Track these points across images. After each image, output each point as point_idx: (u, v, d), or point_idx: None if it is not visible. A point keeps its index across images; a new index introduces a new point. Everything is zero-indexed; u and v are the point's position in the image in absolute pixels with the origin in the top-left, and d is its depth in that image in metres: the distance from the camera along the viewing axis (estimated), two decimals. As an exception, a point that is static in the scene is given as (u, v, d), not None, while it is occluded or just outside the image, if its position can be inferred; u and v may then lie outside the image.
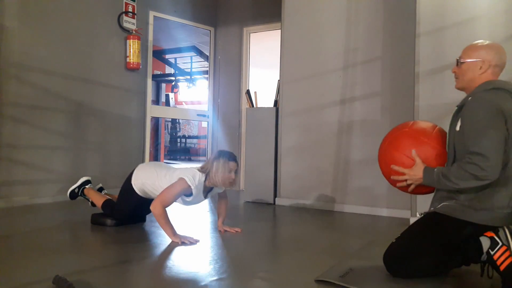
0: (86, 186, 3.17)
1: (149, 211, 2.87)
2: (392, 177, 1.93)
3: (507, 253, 1.63)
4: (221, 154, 2.66)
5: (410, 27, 3.53)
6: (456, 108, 1.87)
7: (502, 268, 1.63)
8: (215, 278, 1.82)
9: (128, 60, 4.71)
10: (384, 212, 3.66)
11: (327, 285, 1.75)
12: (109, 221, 2.89)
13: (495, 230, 1.71)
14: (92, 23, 4.40)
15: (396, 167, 1.89)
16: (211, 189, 2.77)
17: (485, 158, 1.62)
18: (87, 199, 3.17)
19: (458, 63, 1.88)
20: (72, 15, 4.20)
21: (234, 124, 5.60)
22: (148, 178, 2.74)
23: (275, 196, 4.30)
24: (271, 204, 4.26)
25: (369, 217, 3.57)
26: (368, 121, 3.80)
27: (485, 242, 1.70)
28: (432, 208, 1.88)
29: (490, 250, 1.68)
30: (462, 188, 1.70)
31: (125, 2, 4.75)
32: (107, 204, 2.93)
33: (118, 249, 2.31)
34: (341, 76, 3.96)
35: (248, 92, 4.77)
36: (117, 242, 2.47)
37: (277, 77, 4.42)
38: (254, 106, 4.61)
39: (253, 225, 3.15)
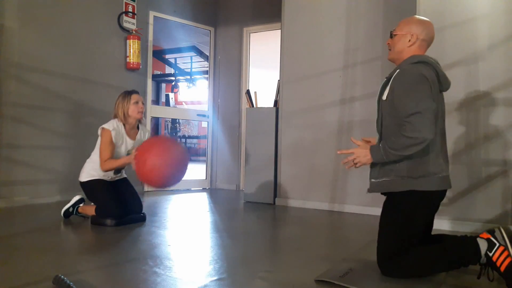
0: (80, 205, 3.19)
1: (133, 196, 3.12)
2: (342, 162, 2.01)
3: (505, 253, 1.63)
4: (124, 92, 3.04)
5: (410, 27, 3.53)
6: (385, 79, 1.96)
7: (502, 269, 1.63)
8: (215, 278, 1.82)
9: (128, 60, 4.71)
10: (384, 212, 3.66)
11: (327, 285, 1.75)
12: (108, 221, 2.89)
13: (490, 231, 1.72)
14: (92, 23, 4.40)
15: (344, 151, 2.01)
16: (136, 132, 3.08)
17: (423, 115, 1.70)
18: (83, 216, 3.18)
19: (392, 35, 2.00)
20: (72, 15, 4.20)
21: (234, 124, 5.60)
22: (87, 167, 3.06)
23: (275, 196, 4.30)
24: (271, 204, 4.26)
25: (369, 217, 3.58)
26: (368, 121, 3.80)
27: (482, 245, 1.70)
28: (372, 180, 1.95)
29: (488, 252, 1.68)
30: (410, 154, 1.78)
31: (125, 2, 4.75)
32: (97, 208, 2.98)
33: (118, 249, 2.31)
34: (341, 76, 3.96)
35: (248, 92, 4.77)
36: (117, 242, 2.48)
37: (277, 77, 4.42)
38: (254, 106, 4.61)
39: (253, 225, 3.15)
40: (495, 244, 1.67)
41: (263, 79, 6.34)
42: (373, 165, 1.95)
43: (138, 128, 3.13)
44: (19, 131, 3.77)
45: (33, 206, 3.73)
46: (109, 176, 3.06)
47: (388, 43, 2.02)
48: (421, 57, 1.88)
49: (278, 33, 4.49)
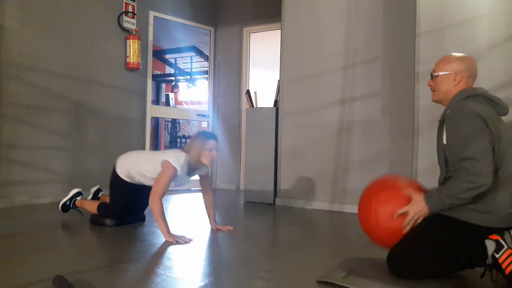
0: (77, 198, 3.17)
1: (144, 202, 2.95)
2: (404, 223, 1.83)
3: None
4: (200, 133, 2.81)
5: (410, 27, 3.53)
6: (439, 122, 1.91)
7: (507, 272, 1.62)
8: (215, 278, 1.82)
9: (128, 60, 4.71)
10: (384, 212, 3.66)
11: (328, 285, 1.75)
12: (108, 221, 2.89)
13: (500, 233, 1.70)
14: (92, 23, 4.39)
15: (399, 211, 1.83)
16: (195, 169, 2.84)
17: (476, 160, 1.64)
18: (79, 211, 3.17)
19: (432, 76, 1.93)
20: (72, 15, 4.20)
21: (234, 124, 5.60)
22: (132, 164, 2.83)
23: (275, 196, 4.30)
24: (271, 204, 4.26)
25: (369, 217, 3.57)
26: (368, 121, 3.80)
27: (490, 245, 1.68)
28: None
29: (495, 253, 1.66)
30: (466, 200, 1.70)
31: (125, 2, 4.75)
32: (101, 205, 2.95)
33: (118, 249, 2.31)
34: (341, 76, 3.96)
35: (248, 92, 4.77)
36: (117, 242, 2.47)
37: (277, 77, 4.42)
38: (254, 106, 4.61)
39: (253, 225, 3.14)
40: (503, 247, 1.65)
41: (263, 79, 6.34)
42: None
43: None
44: (19, 131, 3.77)
45: (33, 206, 3.73)
46: (142, 183, 2.90)
47: (430, 85, 1.95)
48: (468, 91, 1.83)
49: (278, 33, 4.49)
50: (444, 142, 1.81)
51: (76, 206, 3.16)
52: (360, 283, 1.75)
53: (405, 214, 1.82)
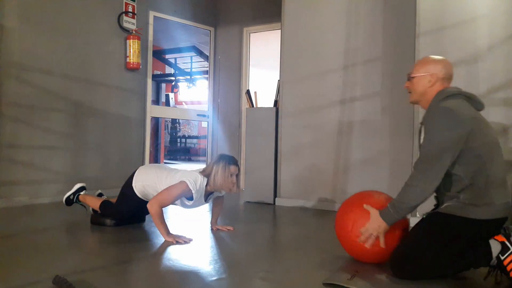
0: (81, 193, 3.15)
1: (148, 212, 2.88)
2: (359, 239, 1.93)
3: None
4: (222, 157, 2.66)
5: (410, 27, 3.53)
6: (420, 124, 1.95)
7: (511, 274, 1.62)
8: (215, 278, 1.82)
9: (128, 60, 4.71)
10: (384, 212, 3.66)
11: (328, 286, 1.75)
12: (108, 221, 2.89)
13: (506, 234, 1.71)
14: (92, 23, 4.39)
15: (361, 230, 1.91)
16: (211, 193, 2.77)
17: (427, 165, 1.73)
18: (82, 205, 3.16)
19: (409, 78, 2.00)
20: (72, 15, 4.20)
21: (234, 124, 5.60)
22: (149, 181, 2.73)
23: (275, 196, 4.30)
24: (271, 204, 4.26)
25: (369, 217, 3.57)
26: (368, 121, 3.80)
27: (495, 247, 1.68)
28: (439, 206, 1.91)
29: (500, 255, 1.66)
30: (416, 205, 1.78)
31: (125, 2, 4.75)
32: (105, 204, 2.93)
33: (118, 249, 2.31)
34: (341, 76, 3.96)
35: (248, 92, 4.77)
36: (117, 242, 2.47)
37: (277, 77, 4.42)
38: (254, 106, 4.61)
39: (253, 225, 3.14)
40: (509, 249, 1.66)
41: (263, 79, 6.34)
42: (437, 193, 1.91)
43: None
44: (19, 131, 3.77)
45: (33, 206, 3.73)
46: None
47: (407, 86, 2.02)
48: (446, 91, 1.88)
49: (278, 33, 4.49)
50: (421, 142, 1.87)
51: (79, 201, 3.14)
52: (365, 284, 1.75)
53: (364, 231, 1.90)
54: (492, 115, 2.95)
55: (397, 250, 1.86)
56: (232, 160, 2.66)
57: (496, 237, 1.71)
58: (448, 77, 1.95)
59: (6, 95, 3.67)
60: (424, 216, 1.92)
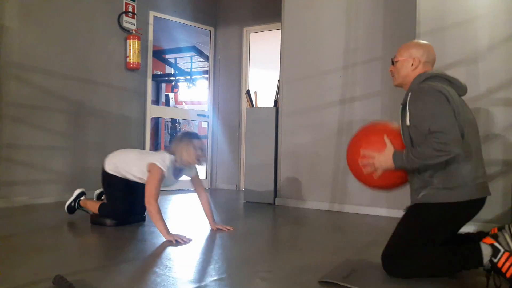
0: (81, 198, 3.18)
1: (143, 199, 2.93)
2: (360, 161, 1.99)
3: (511, 259, 1.62)
4: (184, 134, 2.88)
5: (410, 27, 3.53)
6: (401, 105, 1.98)
7: (508, 275, 1.61)
8: (215, 278, 1.82)
9: (128, 60, 4.71)
10: (384, 212, 3.66)
11: (329, 285, 1.75)
12: (108, 221, 2.89)
13: (494, 236, 1.71)
14: (92, 23, 4.40)
15: (366, 151, 1.96)
16: (181, 170, 2.89)
17: (445, 133, 1.71)
18: (85, 211, 3.17)
19: (393, 62, 2.04)
20: (72, 15, 4.20)
21: (234, 124, 5.60)
22: (119, 161, 2.91)
23: (275, 196, 4.30)
24: (271, 204, 4.26)
25: (369, 217, 3.57)
26: (368, 121, 3.78)
27: (486, 250, 1.68)
28: (413, 197, 1.94)
29: (493, 258, 1.66)
30: (431, 164, 1.78)
31: (125, 2, 4.75)
32: (102, 205, 2.96)
33: (118, 249, 2.31)
34: (341, 76, 3.96)
35: (248, 92, 4.77)
36: (117, 242, 2.48)
37: (277, 77, 4.42)
38: (254, 106, 4.61)
39: (253, 225, 3.14)
40: (500, 250, 1.65)
41: (263, 79, 6.34)
42: (411, 179, 1.93)
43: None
44: (19, 131, 3.77)
45: (33, 206, 3.73)
46: (133, 179, 2.94)
47: (391, 70, 2.05)
48: (427, 73, 1.92)
49: (278, 33, 4.49)
50: (408, 123, 1.88)
51: (81, 206, 3.16)
52: (362, 283, 1.75)
53: (371, 157, 1.93)
54: (492, 115, 2.95)
55: (385, 249, 1.89)
56: (194, 135, 2.86)
57: (484, 240, 1.71)
58: (430, 61, 1.99)
59: (6, 95, 3.67)
60: (405, 211, 1.96)
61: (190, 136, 2.84)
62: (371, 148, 1.94)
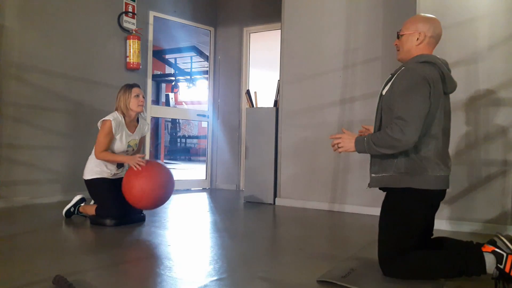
0: (81, 204, 3.20)
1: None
2: (329, 136, 2.06)
3: None
4: (125, 85, 3.08)
5: (410, 27, 3.53)
6: (390, 75, 1.98)
7: None
8: (215, 278, 1.82)
9: (128, 60, 4.71)
10: (384, 212, 3.66)
11: (329, 285, 1.75)
12: (108, 221, 2.89)
13: (491, 242, 1.70)
14: (92, 23, 4.39)
15: (334, 135, 2.01)
16: (136, 124, 3.11)
17: (406, 122, 1.74)
18: (84, 216, 3.18)
19: (399, 36, 2.01)
20: (72, 15, 4.20)
21: (234, 124, 5.60)
22: (89, 163, 3.11)
23: (275, 196, 4.30)
24: (271, 204, 4.26)
25: (369, 217, 3.57)
26: (368, 121, 3.79)
27: (489, 258, 1.66)
28: (372, 175, 1.97)
29: (498, 265, 1.64)
30: (385, 153, 1.82)
31: (125, 2, 4.75)
32: (97, 208, 2.98)
33: (118, 249, 2.31)
34: (341, 76, 3.96)
35: (248, 92, 4.77)
36: (117, 242, 2.48)
37: (277, 77, 4.42)
38: (254, 106, 4.61)
39: (253, 225, 3.15)
40: (503, 255, 1.63)
41: (263, 79, 6.34)
42: (372, 160, 1.97)
43: (138, 121, 3.18)
44: (19, 131, 3.77)
45: (33, 206, 3.73)
46: (112, 172, 3.05)
47: (396, 44, 2.03)
48: (428, 56, 1.89)
49: (278, 33, 4.49)
50: (383, 92, 1.91)
51: (80, 212, 3.19)
52: (361, 282, 1.75)
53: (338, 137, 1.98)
54: (492, 115, 2.95)
55: (379, 251, 1.89)
56: (131, 84, 3.06)
57: (484, 249, 1.69)
58: (436, 36, 1.95)
59: (6, 95, 3.67)
60: (367, 188, 2.03)
61: (129, 86, 3.04)
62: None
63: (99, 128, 2.97)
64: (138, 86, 3.08)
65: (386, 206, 1.94)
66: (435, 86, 1.80)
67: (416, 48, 1.94)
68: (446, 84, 1.89)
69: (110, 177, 3.06)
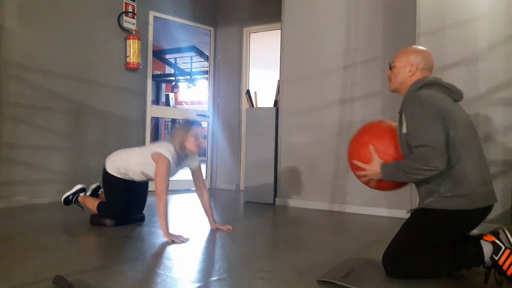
0: (81, 194, 3.17)
1: (141, 199, 3.04)
2: (355, 172, 2.03)
3: None
4: (186, 122, 2.86)
5: (410, 27, 3.53)
6: (398, 114, 1.97)
7: (509, 272, 1.61)
8: (215, 278, 1.82)
9: (128, 60, 4.71)
10: (384, 212, 3.66)
11: (329, 285, 1.75)
12: (108, 221, 2.89)
13: (494, 233, 1.70)
14: (92, 23, 4.39)
15: (357, 162, 1.99)
16: (183, 160, 2.86)
17: (430, 148, 1.72)
18: (81, 206, 3.18)
19: (391, 67, 2.03)
20: (72, 15, 4.20)
21: (234, 124, 5.60)
22: (120, 160, 2.87)
23: (275, 196, 4.30)
24: (271, 204, 4.26)
25: (369, 217, 3.57)
26: (368, 121, 3.79)
27: (486, 247, 1.68)
28: (420, 202, 1.92)
29: (494, 255, 1.65)
30: (416, 179, 1.80)
31: (125, 2, 4.75)
32: (101, 205, 2.95)
33: (118, 249, 2.31)
34: (341, 76, 3.96)
35: (248, 92, 4.77)
36: (117, 242, 2.47)
37: (277, 77, 4.42)
38: (254, 106, 4.61)
39: (253, 225, 3.14)
40: (501, 248, 1.65)
41: (263, 79, 6.34)
42: (418, 187, 1.93)
43: (186, 156, 2.91)
44: (19, 131, 3.77)
45: (33, 206, 3.73)
46: (134, 178, 2.93)
47: (388, 75, 2.05)
48: (422, 80, 1.91)
49: (278, 33, 4.49)
50: (404, 131, 1.88)
51: (78, 202, 3.16)
52: (360, 282, 1.75)
53: (362, 168, 1.96)
54: (492, 115, 2.95)
55: (387, 249, 1.88)
56: (193, 122, 2.83)
57: (485, 238, 1.71)
58: (428, 68, 1.97)
59: (6, 95, 3.67)
60: (410, 213, 1.95)
61: (190, 123, 2.80)
62: (361, 159, 1.98)
63: (152, 157, 2.70)
64: (199, 124, 2.83)
65: (419, 217, 1.88)
66: (443, 103, 1.80)
67: (410, 80, 1.96)
68: (452, 91, 1.89)
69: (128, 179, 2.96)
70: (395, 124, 2.06)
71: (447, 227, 1.78)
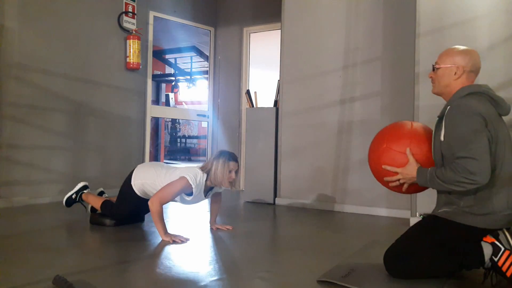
0: (84, 191, 3.13)
1: (148, 211, 2.89)
2: (385, 178, 1.92)
3: (511, 258, 1.61)
4: (222, 153, 2.70)
5: (410, 27, 3.53)
6: (437, 118, 1.88)
7: (508, 274, 1.60)
8: (215, 278, 1.82)
9: (128, 60, 4.71)
10: (384, 212, 3.66)
11: (329, 285, 1.75)
12: (108, 221, 2.89)
13: (494, 234, 1.69)
14: (92, 23, 4.40)
15: (388, 167, 1.88)
16: (211, 188, 2.79)
17: (475, 160, 1.62)
18: (84, 205, 3.15)
19: (434, 68, 1.90)
20: (72, 15, 4.20)
21: (234, 124, 5.60)
22: (147, 178, 2.74)
23: (275, 196, 4.30)
24: (271, 204, 4.26)
25: (369, 217, 3.57)
26: (368, 121, 3.80)
27: (486, 249, 1.67)
28: (435, 210, 1.88)
29: (493, 256, 1.64)
30: (454, 190, 1.71)
31: (125, 2, 4.75)
32: (105, 204, 2.92)
33: (118, 249, 2.31)
34: (341, 76, 3.96)
35: (248, 92, 4.77)
36: (117, 242, 2.47)
37: (277, 77, 4.42)
38: (254, 106, 4.61)
39: (253, 225, 3.14)
40: (500, 249, 1.64)
41: (263, 79, 6.34)
42: (438, 192, 1.87)
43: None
44: (19, 131, 3.76)
45: (33, 206, 3.73)
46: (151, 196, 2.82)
47: (431, 77, 1.92)
48: (471, 87, 1.79)
49: (278, 33, 4.49)
50: (442, 138, 1.77)
51: (82, 200, 3.10)
52: (361, 282, 1.75)
53: (394, 172, 1.86)
54: (492, 115, 2.94)
55: (391, 248, 1.87)
56: (232, 156, 2.69)
57: (485, 239, 1.69)
58: (475, 70, 1.84)
59: (6, 95, 3.67)
60: (422, 217, 1.92)
61: (227, 157, 2.67)
62: (394, 164, 1.87)
63: (177, 177, 2.62)
64: (236, 160, 2.72)
65: (431, 224, 1.83)
66: (489, 116, 1.70)
67: (455, 83, 1.83)
68: (500, 105, 1.78)
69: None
70: (419, 125, 1.96)
71: (457, 238, 1.74)
